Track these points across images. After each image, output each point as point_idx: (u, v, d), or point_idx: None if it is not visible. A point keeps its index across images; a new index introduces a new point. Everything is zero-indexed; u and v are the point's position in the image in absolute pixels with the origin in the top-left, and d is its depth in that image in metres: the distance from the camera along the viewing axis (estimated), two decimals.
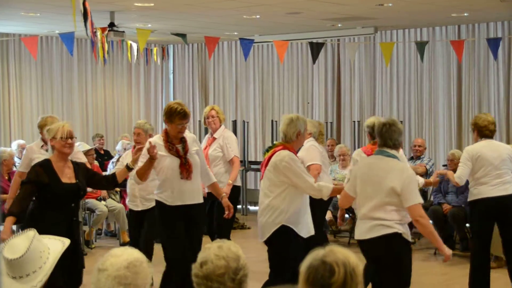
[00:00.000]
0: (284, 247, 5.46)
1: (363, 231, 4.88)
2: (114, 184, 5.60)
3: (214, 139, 7.44)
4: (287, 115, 5.66)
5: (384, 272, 4.88)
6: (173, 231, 5.73)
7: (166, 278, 5.81)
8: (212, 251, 2.59)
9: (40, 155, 6.72)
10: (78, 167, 5.34)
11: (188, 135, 5.90)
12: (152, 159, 5.47)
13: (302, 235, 5.50)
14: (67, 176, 5.20)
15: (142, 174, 5.59)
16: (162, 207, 5.77)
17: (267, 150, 5.59)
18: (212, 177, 6.16)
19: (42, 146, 6.94)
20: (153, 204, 6.22)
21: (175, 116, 5.61)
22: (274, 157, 5.42)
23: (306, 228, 5.56)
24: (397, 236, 4.77)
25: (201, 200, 5.86)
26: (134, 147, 6.49)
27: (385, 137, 4.90)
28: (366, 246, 4.89)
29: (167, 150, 5.67)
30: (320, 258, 2.33)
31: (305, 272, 2.34)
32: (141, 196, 6.90)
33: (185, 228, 5.75)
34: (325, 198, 5.49)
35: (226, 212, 6.11)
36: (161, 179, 5.75)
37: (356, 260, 2.38)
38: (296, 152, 5.59)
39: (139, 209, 6.95)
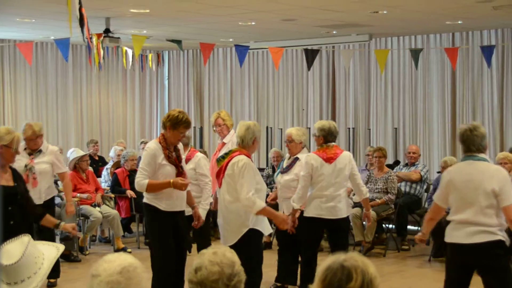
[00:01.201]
0: (253, 249, 5.61)
1: (463, 236, 4.84)
2: (34, 220, 5.69)
3: (224, 144, 7.51)
4: (245, 122, 5.91)
5: (489, 279, 4.89)
6: (167, 241, 5.79)
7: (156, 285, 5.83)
8: (207, 257, 2.59)
9: (22, 158, 6.88)
10: (17, 173, 5.50)
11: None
12: (174, 187, 5.66)
13: (265, 234, 5.75)
14: (5, 179, 5.28)
15: (153, 190, 5.73)
16: (156, 212, 5.81)
17: (223, 157, 5.73)
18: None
19: (25, 149, 7.08)
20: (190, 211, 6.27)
21: (180, 124, 5.72)
22: (232, 162, 5.61)
23: (266, 226, 5.75)
24: (501, 243, 4.81)
25: (185, 207, 6.01)
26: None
27: (468, 143, 4.90)
28: (467, 251, 4.85)
29: (166, 158, 5.76)
30: (340, 262, 2.34)
31: (323, 273, 2.34)
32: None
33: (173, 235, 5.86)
34: (253, 213, 5.51)
35: (195, 222, 6.23)
36: None
37: (375, 272, 2.38)
38: (250, 157, 5.75)
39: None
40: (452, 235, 4.93)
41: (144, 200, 5.92)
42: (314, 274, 2.43)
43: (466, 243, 4.84)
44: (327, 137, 6.52)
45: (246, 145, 5.74)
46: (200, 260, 2.60)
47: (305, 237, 6.55)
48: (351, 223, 9.30)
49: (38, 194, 7.18)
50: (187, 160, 6.71)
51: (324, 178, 6.41)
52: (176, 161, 5.81)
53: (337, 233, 6.56)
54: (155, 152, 5.74)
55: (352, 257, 2.35)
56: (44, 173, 7.41)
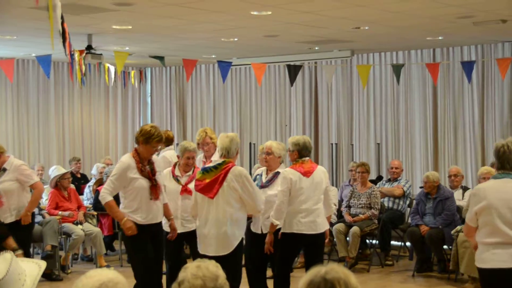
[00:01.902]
0: (240, 256, 5.94)
1: (508, 258, 4.52)
2: None
3: (210, 161, 7.49)
4: (226, 133, 6.11)
5: None
6: (146, 255, 5.90)
7: None
8: (190, 270, 2.59)
9: None
10: None
11: (154, 157, 6.16)
12: (122, 226, 5.90)
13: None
14: None
15: (109, 211, 6.07)
16: (141, 231, 5.90)
17: (214, 168, 5.84)
18: (165, 197, 6.34)
19: None
20: (194, 226, 6.35)
21: (153, 139, 5.90)
22: (235, 174, 5.78)
23: None
24: None
25: (162, 219, 6.18)
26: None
27: (503, 160, 4.68)
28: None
29: (139, 172, 5.88)
30: (322, 275, 2.33)
31: (306, 286, 2.34)
32: (182, 217, 6.79)
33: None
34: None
35: (170, 234, 6.38)
36: (131, 200, 5.91)
37: (356, 282, 2.38)
38: None
39: (180, 231, 6.72)
40: (492, 260, 4.56)
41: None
42: None
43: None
44: (301, 151, 6.49)
45: (231, 156, 5.90)
46: (183, 274, 2.60)
47: (283, 254, 6.44)
48: (333, 239, 9.32)
49: (9, 212, 7.19)
50: (191, 179, 6.72)
51: (303, 192, 6.38)
52: (149, 175, 5.94)
53: (314, 248, 6.50)
54: (127, 166, 5.87)
55: (333, 269, 2.35)
56: (10, 191, 7.34)
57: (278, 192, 6.43)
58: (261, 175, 6.95)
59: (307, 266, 6.57)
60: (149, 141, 5.87)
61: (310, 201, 6.42)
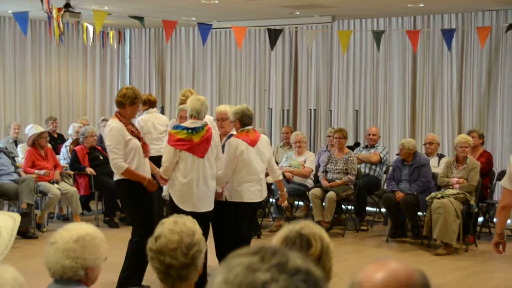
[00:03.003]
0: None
1: None
2: None
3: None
4: (197, 96, 6.38)
5: None
6: (147, 209, 6.17)
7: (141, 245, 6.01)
8: (167, 225, 2.61)
9: None
10: None
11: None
12: (146, 186, 6.11)
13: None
14: None
15: (128, 176, 6.06)
16: (133, 184, 6.08)
17: (202, 128, 6.11)
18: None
19: None
20: None
21: (138, 99, 6.12)
22: (214, 134, 6.22)
23: None
24: None
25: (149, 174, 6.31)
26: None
27: None
28: None
29: (130, 133, 6.05)
30: (297, 230, 2.37)
31: (281, 243, 2.37)
32: None
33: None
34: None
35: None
36: (131, 160, 6.04)
37: (328, 237, 2.43)
38: None
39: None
40: None
41: (116, 177, 6.15)
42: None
43: None
44: (242, 120, 6.47)
45: (201, 118, 6.20)
46: (160, 229, 2.62)
47: (238, 222, 6.48)
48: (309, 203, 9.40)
49: None
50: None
51: (251, 162, 6.44)
52: (138, 134, 6.15)
53: (254, 214, 7.01)
54: (121, 129, 6.00)
55: (307, 225, 2.38)
56: None
57: (225, 161, 6.42)
58: None
59: (249, 231, 6.79)
60: (135, 101, 6.06)
61: (258, 170, 6.52)
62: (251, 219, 6.89)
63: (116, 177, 6.16)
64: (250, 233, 6.84)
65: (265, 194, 6.74)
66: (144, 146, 6.13)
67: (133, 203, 6.17)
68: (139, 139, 6.12)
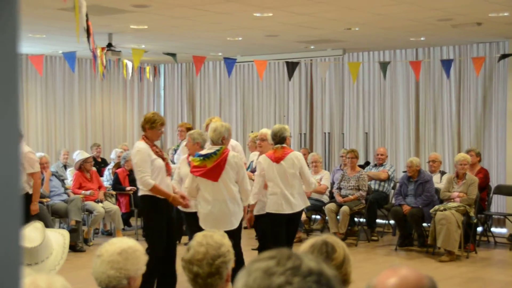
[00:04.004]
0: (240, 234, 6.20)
1: None
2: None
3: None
4: (221, 123, 6.24)
5: None
6: (162, 228, 5.95)
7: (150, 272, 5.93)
8: (197, 238, 2.66)
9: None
10: None
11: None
12: (172, 202, 6.03)
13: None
14: None
15: (155, 193, 5.93)
16: (155, 202, 5.94)
17: (215, 154, 5.93)
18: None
19: None
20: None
21: (157, 123, 6.02)
22: (231, 158, 5.94)
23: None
24: None
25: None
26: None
27: None
28: None
29: (154, 153, 5.94)
30: (323, 239, 2.41)
31: (309, 248, 2.40)
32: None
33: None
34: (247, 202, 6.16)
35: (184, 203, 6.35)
36: (154, 178, 5.91)
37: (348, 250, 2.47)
38: None
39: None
40: None
41: (141, 193, 6.02)
42: None
43: None
44: (274, 140, 6.60)
45: (216, 143, 6.07)
46: (192, 242, 2.66)
47: (273, 231, 6.53)
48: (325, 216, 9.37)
49: None
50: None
51: (273, 177, 6.44)
52: (162, 155, 6.07)
53: (292, 225, 6.64)
54: (146, 150, 5.92)
55: (331, 237, 2.43)
56: None
57: (256, 175, 6.57)
58: (253, 161, 7.04)
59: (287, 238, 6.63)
60: (153, 125, 5.99)
61: (280, 184, 6.43)
62: (289, 231, 6.56)
63: (140, 193, 6.01)
64: (290, 243, 6.60)
65: (296, 207, 6.48)
66: (167, 166, 6.05)
67: (153, 218, 6.01)
68: (163, 159, 6.04)
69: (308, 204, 6.83)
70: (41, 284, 2.19)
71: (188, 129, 8.76)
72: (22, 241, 0.93)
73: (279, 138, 6.51)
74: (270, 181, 6.47)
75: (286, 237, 6.49)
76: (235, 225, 5.97)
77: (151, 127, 6.00)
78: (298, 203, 6.51)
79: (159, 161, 5.96)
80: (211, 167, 5.92)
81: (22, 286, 0.92)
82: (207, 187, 5.99)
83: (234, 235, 5.80)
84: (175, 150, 9.02)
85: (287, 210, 6.45)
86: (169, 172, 6.07)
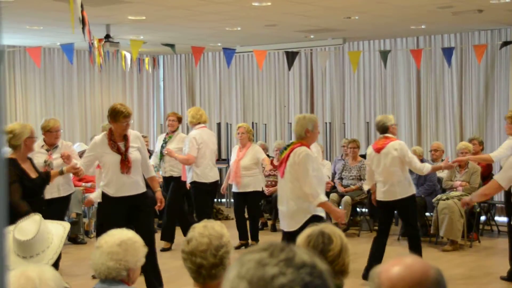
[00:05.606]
0: None
1: None
2: (46, 183, 5.68)
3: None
4: (297, 115, 5.67)
5: None
6: (110, 221, 5.39)
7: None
8: (197, 230, 2.64)
9: (40, 154, 6.77)
10: (34, 163, 5.58)
11: (132, 132, 5.91)
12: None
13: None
14: (32, 172, 5.42)
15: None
16: (105, 197, 5.81)
17: (285, 148, 5.48)
18: (152, 171, 6.08)
19: (42, 146, 6.96)
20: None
21: (119, 115, 5.65)
22: (293, 154, 5.34)
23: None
24: None
25: (142, 190, 5.84)
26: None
27: None
28: None
29: (109, 148, 5.71)
30: (319, 229, 2.39)
31: (305, 239, 2.39)
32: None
33: (130, 216, 5.74)
34: (315, 204, 5.27)
35: (158, 204, 6.05)
36: (105, 174, 5.78)
37: (346, 239, 2.45)
38: (309, 147, 5.47)
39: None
40: None
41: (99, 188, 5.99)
42: None
43: None
44: (377, 130, 6.82)
45: (299, 137, 5.44)
46: (192, 233, 2.65)
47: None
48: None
49: (56, 188, 6.85)
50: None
51: (378, 165, 6.60)
52: (119, 150, 5.71)
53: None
54: (97, 143, 5.77)
55: (327, 226, 2.41)
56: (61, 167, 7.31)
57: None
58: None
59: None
60: (116, 118, 5.66)
61: (382, 173, 6.56)
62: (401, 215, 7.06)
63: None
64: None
65: (397, 195, 6.63)
66: (123, 163, 5.67)
67: (103, 217, 5.87)
68: (122, 154, 5.68)
69: (414, 192, 6.73)
70: (32, 275, 2.18)
71: (179, 119, 8.66)
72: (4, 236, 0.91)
73: (381, 128, 6.58)
74: (374, 171, 6.66)
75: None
76: (296, 226, 5.37)
77: (114, 120, 5.67)
78: (399, 191, 6.52)
79: (111, 157, 5.68)
80: (280, 161, 5.59)
81: (6, 280, 0.89)
82: (280, 182, 5.61)
83: (287, 237, 5.42)
84: (166, 142, 8.45)
85: (388, 198, 6.56)
86: (125, 169, 5.67)
